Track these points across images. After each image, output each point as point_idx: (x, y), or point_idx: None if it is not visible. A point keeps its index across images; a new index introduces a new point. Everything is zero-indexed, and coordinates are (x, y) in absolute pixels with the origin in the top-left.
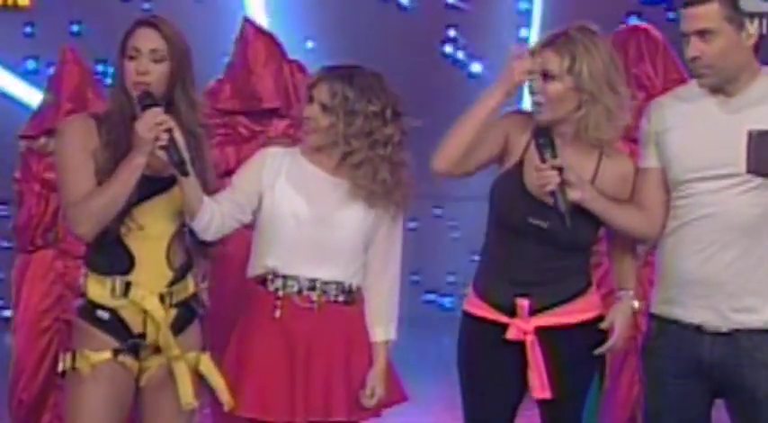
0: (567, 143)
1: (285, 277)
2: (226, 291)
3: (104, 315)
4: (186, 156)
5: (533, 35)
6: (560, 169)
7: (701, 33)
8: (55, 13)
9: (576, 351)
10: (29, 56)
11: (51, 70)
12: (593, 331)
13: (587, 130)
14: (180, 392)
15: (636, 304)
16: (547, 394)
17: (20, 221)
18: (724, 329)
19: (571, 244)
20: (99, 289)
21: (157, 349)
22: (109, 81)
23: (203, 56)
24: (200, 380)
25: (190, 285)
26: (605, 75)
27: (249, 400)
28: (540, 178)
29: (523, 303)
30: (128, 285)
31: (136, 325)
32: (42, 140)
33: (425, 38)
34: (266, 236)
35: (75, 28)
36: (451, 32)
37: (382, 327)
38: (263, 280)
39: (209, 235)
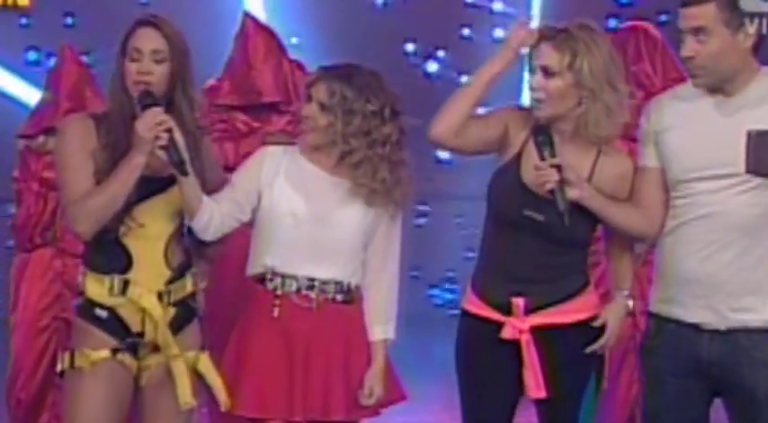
0: (565, 140)
1: (284, 276)
2: (224, 290)
3: (103, 314)
4: (186, 156)
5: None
6: (559, 168)
7: (696, 33)
8: (50, 4)
9: (572, 351)
10: (29, 47)
11: (52, 61)
12: (589, 331)
13: (587, 126)
14: (178, 392)
15: (631, 304)
16: (542, 394)
17: (18, 220)
18: (723, 329)
19: (567, 240)
20: (97, 287)
21: (156, 348)
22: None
23: (201, 53)
24: (198, 379)
25: (188, 284)
26: (605, 72)
27: (248, 399)
28: (540, 177)
29: (519, 302)
30: (126, 284)
31: (134, 323)
32: (41, 139)
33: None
34: (265, 235)
35: (69, 20)
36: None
37: (381, 326)
38: (261, 279)
39: (208, 234)
